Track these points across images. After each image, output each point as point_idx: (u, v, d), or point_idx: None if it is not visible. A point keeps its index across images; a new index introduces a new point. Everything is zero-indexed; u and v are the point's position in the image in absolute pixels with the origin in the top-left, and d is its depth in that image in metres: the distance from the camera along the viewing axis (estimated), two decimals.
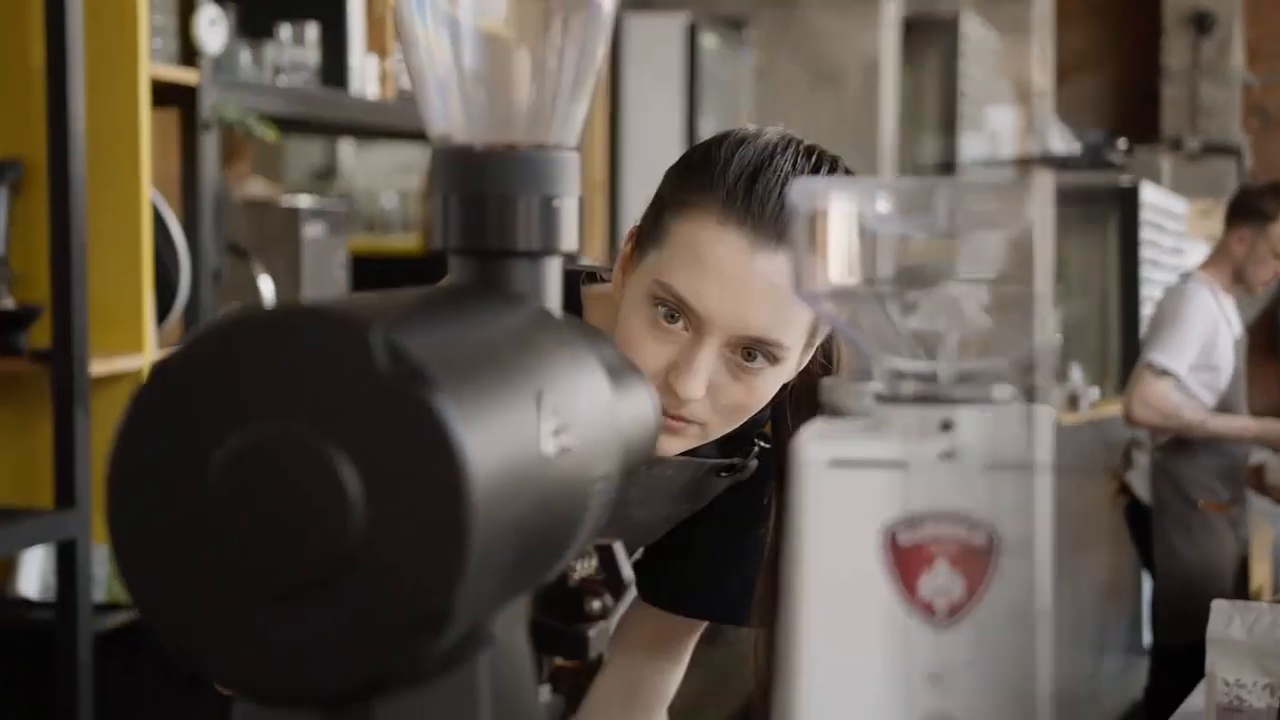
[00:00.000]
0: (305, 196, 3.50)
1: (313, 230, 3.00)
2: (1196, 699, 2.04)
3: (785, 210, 1.21)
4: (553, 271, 0.85)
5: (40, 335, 2.48)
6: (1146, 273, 6.95)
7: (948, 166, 7.26)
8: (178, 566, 0.65)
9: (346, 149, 5.53)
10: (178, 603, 0.65)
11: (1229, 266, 4.27)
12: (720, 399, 1.24)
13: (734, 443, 1.35)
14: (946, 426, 0.72)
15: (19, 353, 2.45)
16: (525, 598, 0.78)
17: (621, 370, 0.89)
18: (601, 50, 0.87)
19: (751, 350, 1.23)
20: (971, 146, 7.10)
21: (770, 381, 1.25)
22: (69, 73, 2.42)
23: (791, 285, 0.74)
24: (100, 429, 2.44)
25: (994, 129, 7.15)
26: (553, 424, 0.72)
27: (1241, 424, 4.28)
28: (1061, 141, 5.75)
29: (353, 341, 0.63)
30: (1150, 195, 7.03)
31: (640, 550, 1.44)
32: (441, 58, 0.84)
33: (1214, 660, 1.84)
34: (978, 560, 0.69)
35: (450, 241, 0.84)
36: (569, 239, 0.85)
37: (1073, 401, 6.12)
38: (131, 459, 0.65)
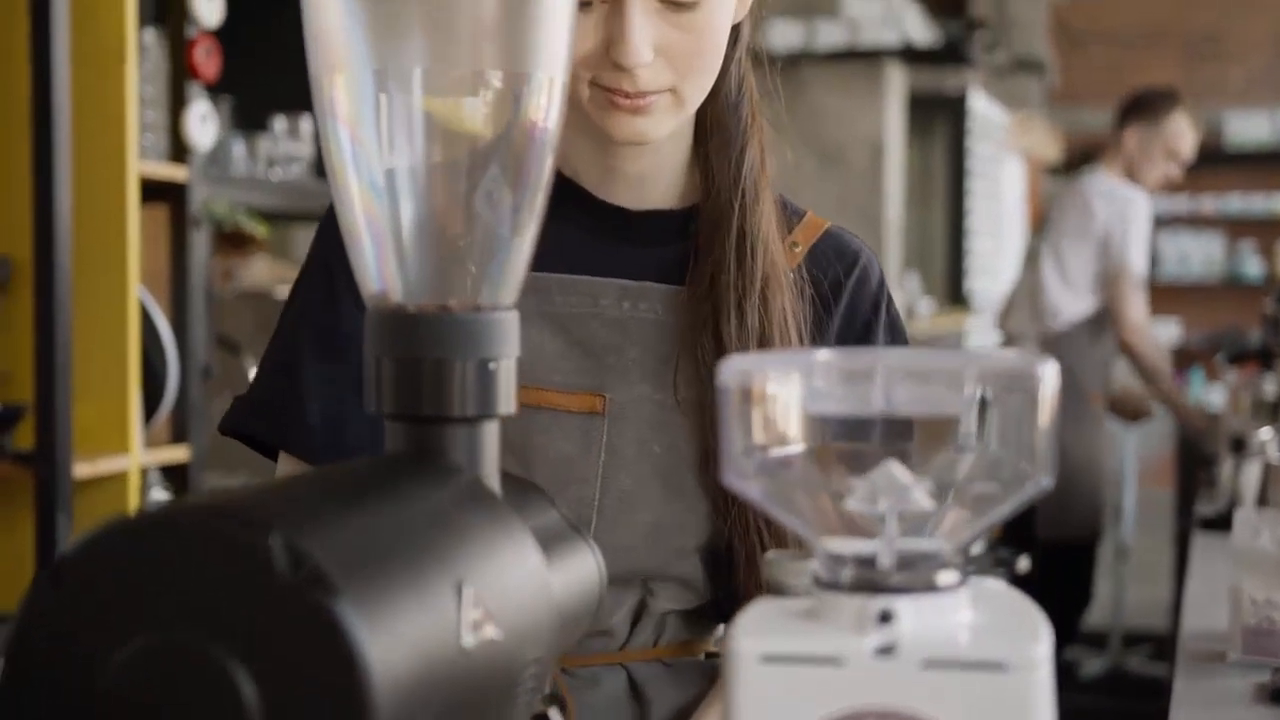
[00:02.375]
0: None
1: None
2: (1216, 617, 1.81)
3: None
4: (490, 436, 0.82)
5: (24, 436, 2.46)
6: (969, 183, 7.08)
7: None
8: None
9: None
10: None
11: (1121, 165, 4.46)
12: (673, 55, 1.16)
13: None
14: (885, 618, 0.68)
15: (2, 455, 2.43)
16: None
17: (562, 535, 0.86)
18: (539, 205, 0.84)
19: None
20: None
21: (716, 16, 1.17)
22: (56, 169, 2.41)
23: (723, 466, 0.71)
24: (83, 531, 2.40)
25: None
26: (475, 614, 0.69)
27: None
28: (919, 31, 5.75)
29: (252, 546, 0.60)
30: (978, 104, 7.08)
31: None
32: (375, 216, 0.82)
33: (1240, 576, 1.65)
34: None
35: (384, 406, 0.81)
36: (507, 402, 0.82)
37: (909, 313, 6.21)
38: (24, 661, 0.63)
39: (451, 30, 0.80)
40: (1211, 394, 6.79)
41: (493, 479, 0.81)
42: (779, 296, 1.22)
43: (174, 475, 2.81)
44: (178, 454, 2.77)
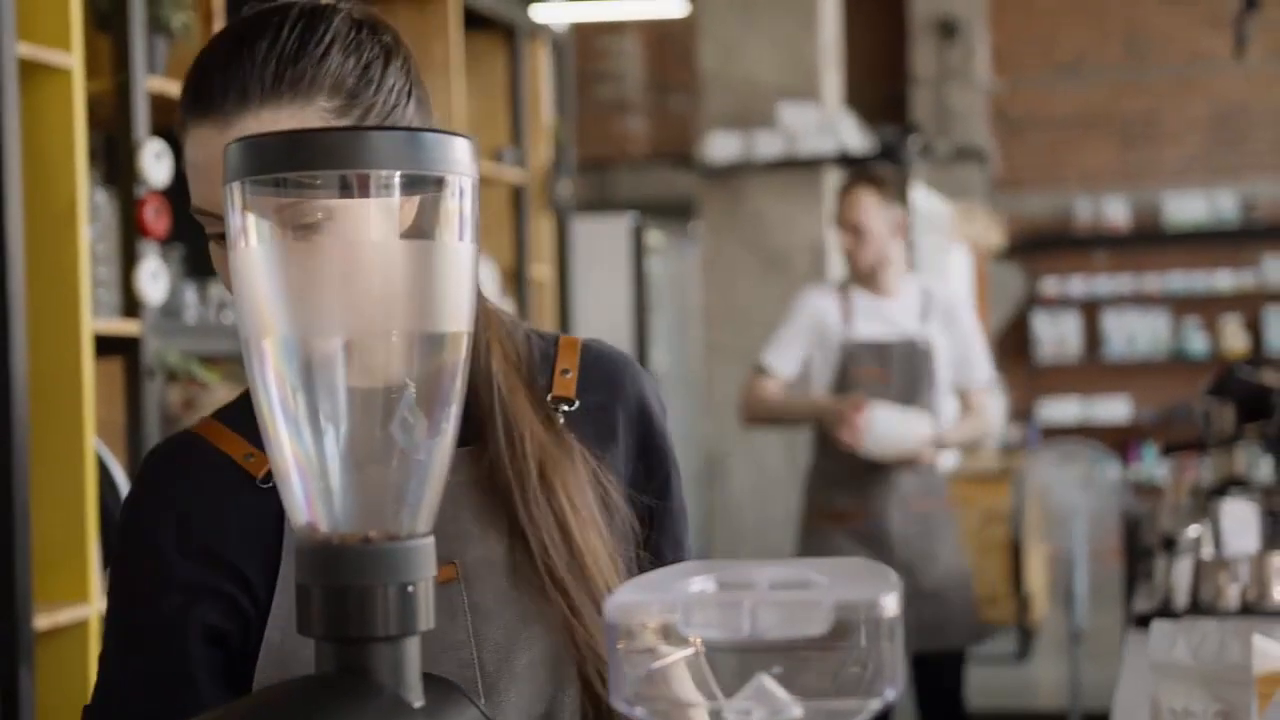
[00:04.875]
0: None
1: None
2: None
3: (243, 68, 1.18)
4: (411, 650, 0.90)
5: None
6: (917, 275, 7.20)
7: None
8: None
9: None
10: None
11: None
12: None
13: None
14: None
15: None
16: None
17: None
18: (452, 433, 0.93)
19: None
20: None
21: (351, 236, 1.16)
22: (11, 327, 2.49)
23: (611, 690, 0.80)
24: (46, 684, 2.47)
25: None
26: None
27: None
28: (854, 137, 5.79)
29: None
30: (919, 199, 7.23)
31: None
32: (301, 458, 0.91)
33: (1159, 687, 1.69)
34: None
35: (314, 629, 0.90)
36: (426, 619, 0.91)
37: None
38: None
39: (366, 297, 0.90)
40: (1161, 470, 6.91)
41: (414, 691, 0.90)
42: (560, 473, 1.26)
43: None
44: None
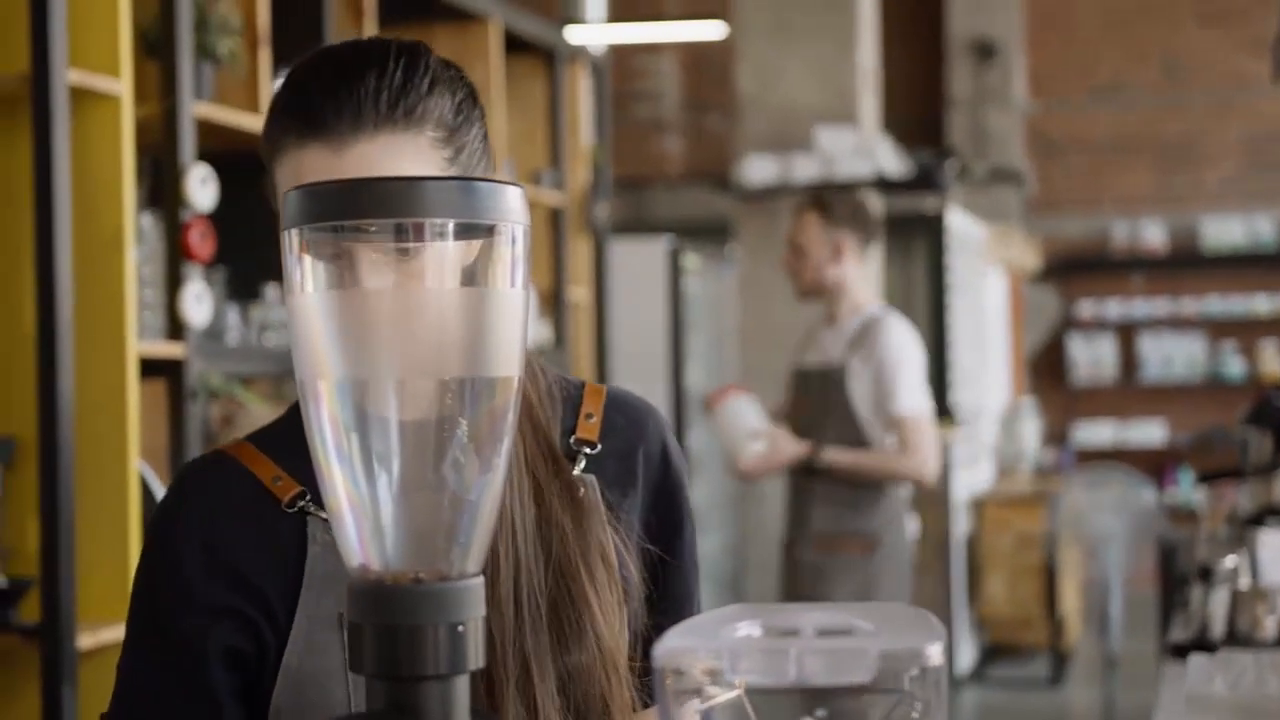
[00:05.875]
0: None
1: None
2: None
3: (357, 93, 1.19)
4: (461, 689, 0.92)
5: (29, 609, 2.56)
6: (950, 298, 7.19)
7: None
8: None
9: None
10: None
11: None
12: None
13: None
14: None
15: (9, 628, 2.53)
16: None
17: None
18: (499, 483, 0.95)
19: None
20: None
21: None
22: (59, 350, 2.53)
23: None
24: (88, 703, 2.50)
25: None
26: None
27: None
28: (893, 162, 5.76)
29: None
30: (955, 221, 7.23)
31: None
32: (355, 501, 0.93)
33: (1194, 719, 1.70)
34: None
35: (365, 667, 0.92)
36: (476, 658, 0.92)
37: None
38: None
39: (420, 342, 0.92)
40: (1197, 495, 6.85)
41: None
42: (564, 517, 1.27)
43: None
44: None
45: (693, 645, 0.81)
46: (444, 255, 0.93)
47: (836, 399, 3.97)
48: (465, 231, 0.92)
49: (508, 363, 0.93)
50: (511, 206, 0.93)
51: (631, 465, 1.35)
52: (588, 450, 1.33)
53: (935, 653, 0.77)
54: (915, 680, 0.78)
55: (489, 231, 0.92)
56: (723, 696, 0.83)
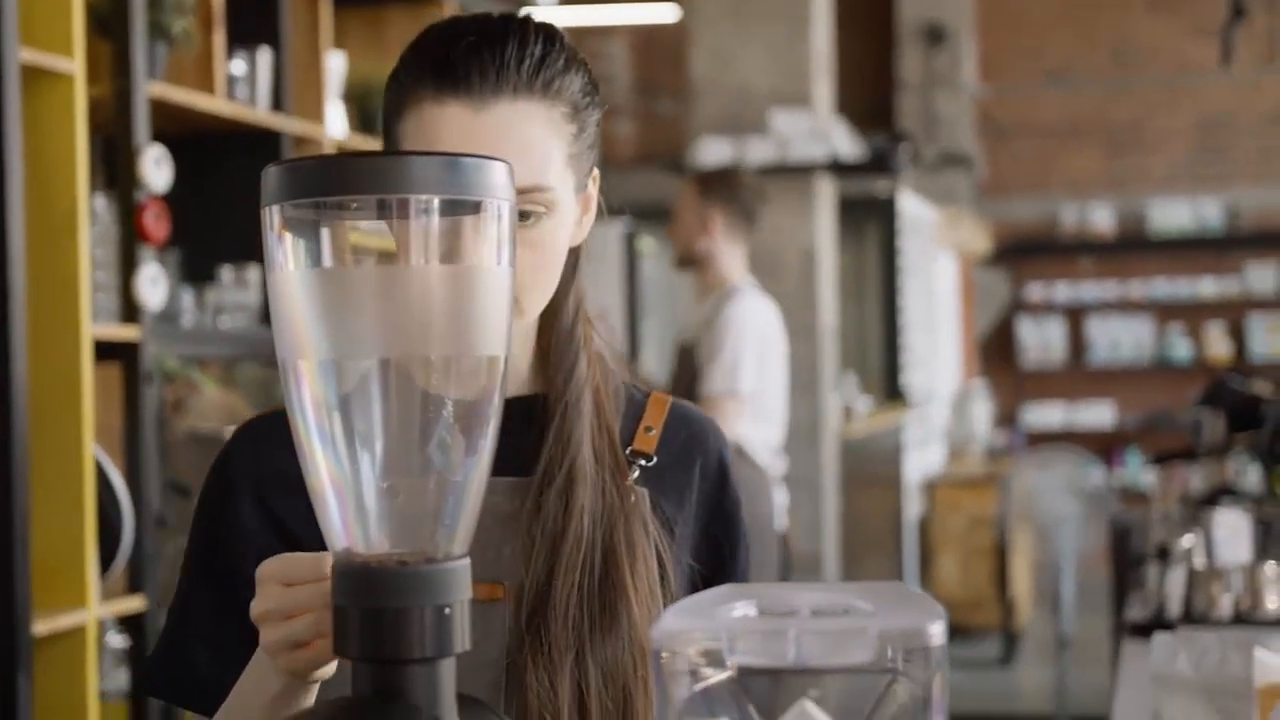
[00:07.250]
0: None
1: None
2: None
3: (500, 57, 1.20)
4: (447, 672, 0.91)
5: None
6: (901, 281, 7.25)
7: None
8: None
9: None
10: None
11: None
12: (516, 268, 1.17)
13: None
14: None
15: None
16: None
17: None
18: (485, 465, 0.94)
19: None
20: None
21: (557, 235, 1.23)
22: (12, 333, 2.49)
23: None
24: (43, 690, 2.46)
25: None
26: None
27: None
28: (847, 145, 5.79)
29: None
30: (907, 204, 7.29)
31: None
32: (339, 482, 0.92)
33: (1160, 700, 1.70)
34: None
35: (350, 651, 0.90)
36: (461, 640, 0.91)
37: (848, 413, 6.25)
38: None
39: (402, 319, 0.90)
40: (1146, 476, 6.90)
41: (449, 712, 0.90)
42: (582, 490, 1.26)
43: (131, 624, 2.87)
44: (134, 604, 2.84)
45: (689, 626, 0.80)
46: (429, 231, 0.91)
47: (694, 374, 3.99)
48: (449, 208, 0.90)
49: (494, 341, 0.91)
50: (497, 182, 0.91)
51: (687, 480, 1.35)
52: (643, 463, 1.32)
53: (936, 632, 0.77)
54: (915, 660, 0.78)
55: (474, 208, 0.91)
56: (718, 677, 0.82)
